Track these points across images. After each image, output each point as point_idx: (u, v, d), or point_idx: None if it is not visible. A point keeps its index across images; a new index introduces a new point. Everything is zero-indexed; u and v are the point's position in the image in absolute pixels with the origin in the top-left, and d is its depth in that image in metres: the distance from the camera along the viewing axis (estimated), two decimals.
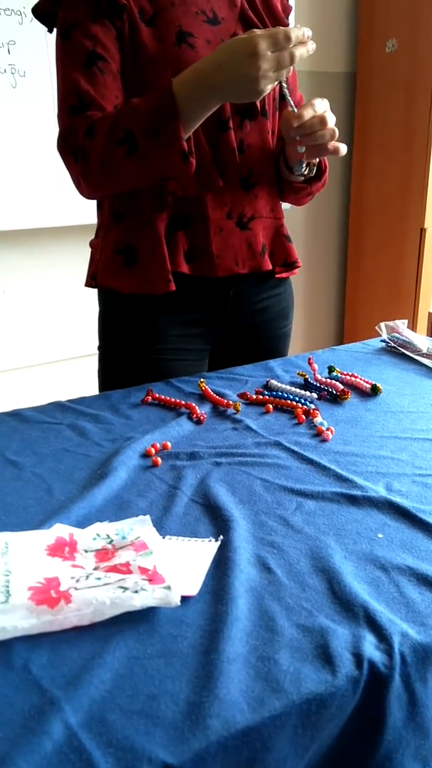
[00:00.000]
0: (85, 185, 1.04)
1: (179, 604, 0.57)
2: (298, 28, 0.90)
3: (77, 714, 0.47)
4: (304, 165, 1.12)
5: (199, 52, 1.04)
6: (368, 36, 2.71)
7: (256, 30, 0.91)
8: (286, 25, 1.13)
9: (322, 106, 1.00)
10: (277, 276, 1.26)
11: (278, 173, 1.21)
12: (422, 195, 2.63)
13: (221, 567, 0.63)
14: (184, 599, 0.58)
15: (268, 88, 0.93)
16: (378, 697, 0.52)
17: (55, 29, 1.05)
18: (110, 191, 1.10)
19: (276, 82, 0.94)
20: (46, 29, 1.09)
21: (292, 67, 0.93)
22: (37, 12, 1.07)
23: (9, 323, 2.29)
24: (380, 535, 0.68)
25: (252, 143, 1.13)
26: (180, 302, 1.17)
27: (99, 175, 1.01)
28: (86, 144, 0.99)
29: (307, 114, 0.99)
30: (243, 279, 1.21)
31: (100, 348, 1.24)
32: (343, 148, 1.06)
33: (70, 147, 1.01)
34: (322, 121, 1.00)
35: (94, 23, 1.00)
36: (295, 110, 0.99)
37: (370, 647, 0.53)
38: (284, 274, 1.27)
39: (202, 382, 1.08)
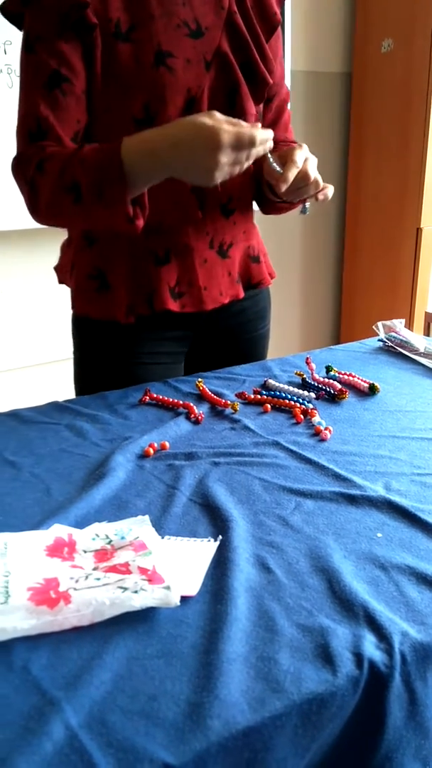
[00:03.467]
0: (34, 216, 1.01)
1: (179, 604, 0.57)
2: (265, 132, 0.88)
3: (78, 715, 0.47)
4: (307, 207, 1.12)
5: (179, 75, 1.00)
6: (364, 36, 2.71)
7: (218, 116, 0.86)
8: (277, 24, 1.10)
9: (302, 157, 0.98)
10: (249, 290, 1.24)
11: (259, 192, 1.19)
12: (418, 194, 2.63)
13: (220, 567, 0.63)
14: (184, 599, 0.58)
15: (219, 180, 0.89)
16: (378, 696, 0.52)
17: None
18: (62, 227, 1.08)
19: (228, 177, 0.89)
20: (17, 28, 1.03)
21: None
22: (5, 12, 1.00)
23: (5, 324, 2.29)
24: (379, 535, 0.68)
25: None
26: (158, 316, 1.15)
27: (47, 213, 0.99)
28: (36, 179, 0.95)
29: (292, 175, 0.97)
30: None
31: (75, 352, 1.22)
32: (330, 192, 1.07)
33: (23, 175, 0.97)
34: (305, 177, 0.99)
35: (60, 38, 0.94)
36: (280, 171, 0.97)
37: (371, 647, 0.53)
38: (257, 288, 1.25)
39: (200, 382, 1.08)
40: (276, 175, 0.97)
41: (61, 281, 1.24)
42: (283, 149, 1.02)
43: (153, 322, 1.15)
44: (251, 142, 0.86)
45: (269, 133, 0.89)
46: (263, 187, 1.16)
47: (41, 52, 0.95)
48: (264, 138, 0.88)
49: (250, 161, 0.90)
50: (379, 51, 2.65)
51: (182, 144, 0.88)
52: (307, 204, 1.10)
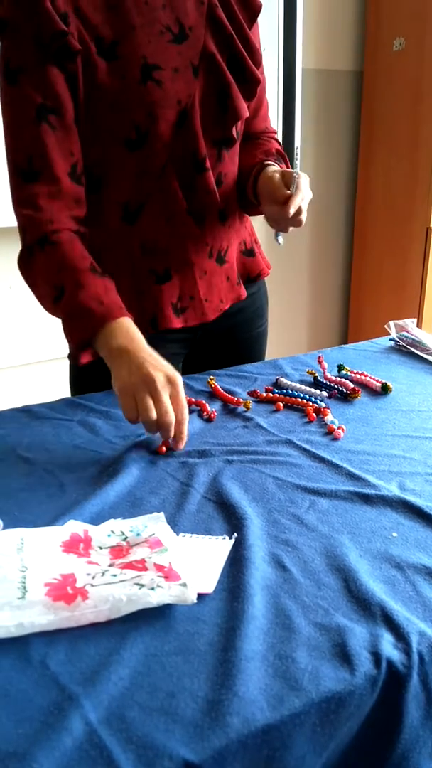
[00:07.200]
0: (20, 271, 1.01)
1: (195, 601, 0.57)
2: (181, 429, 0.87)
3: (97, 710, 0.47)
4: (280, 239, 1.10)
5: (167, 87, 0.96)
6: (375, 34, 2.70)
7: (159, 390, 0.84)
8: (259, 9, 1.06)
9: (305, 185, 1.00)
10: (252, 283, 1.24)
11: (242, 193, 1.17)
12: (428, 194, 2.62)
13: (236, 565, 0.63)
14: (200, 597, 0.58)
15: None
16: (396, 696, 0.52)
17: None
18: None
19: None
20: None
21: None
22: None
23: (16, 319, 2.29)
24: (395, 534, 0.68)
25: (228, 171, 1.10)
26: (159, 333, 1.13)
27: (31, 285, 1.00)
28: (36, 253, 0.95)
29: (292, 211, 0.98)
30: None
31: (69, 357, 1.20)
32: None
33: (24, 231, 0.97)
34: (297, 214, 1.00)
35: (43, 69, 0.90)
36: (288, 192, 0.99)
37: (388, 646, 0.53)
38: (257, 281, 1.25)
39: (211, 380, 1.08)
40: (279, 192, 1.00)
41: None
42: (283, 169, 1.04)
43: (154, 338, 1.13)
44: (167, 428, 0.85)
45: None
46: (247, 191, 1.13)
47: (25, 84, 0.91)
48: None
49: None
50: (391, 49, 2.64)
51: (126, 379, 0.86)
52: (280, 237, 1.09)
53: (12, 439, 0.91)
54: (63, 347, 0.98)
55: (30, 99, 0.92)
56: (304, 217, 1.02)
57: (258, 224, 1.25)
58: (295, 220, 1.01)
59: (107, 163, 1.00)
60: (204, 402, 1.01)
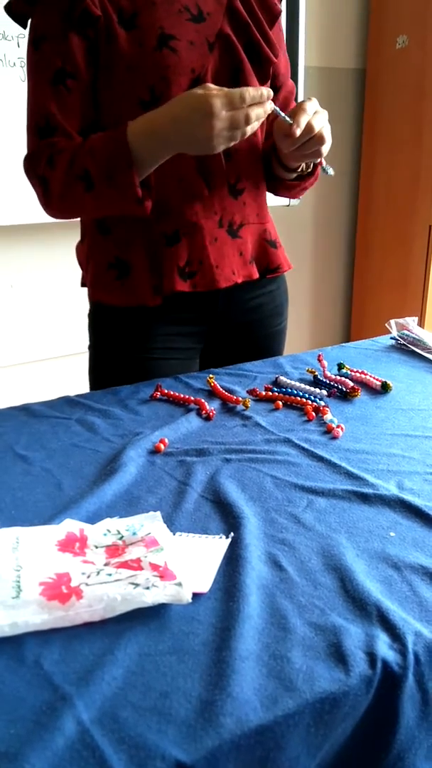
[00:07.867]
0: (47, 210, 1.05)
1: (190, 601, 0.57)
2: (255, 89, 0.90)
3: (89, 710, 0.46)
4: (326, 166, 1.11)
5: (182, 55, 1.01)
6: (378, 32, 2.69)
7: (210, 86, 0.91)
8: (278, 13, 1.10)
9: (312, 108, 0.99)
10: (268, 276, 1.23)
11: (268, 170, 1.19)
12: (431, 191, 2.61)
13: (232, 564, 0.63)
14: (196, 596, 0.58)
15: (222, 147, 0.93)
16: (391, 696, 0.51)
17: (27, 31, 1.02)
18: (73, 218, 1.11)
19: (231, 142, 0.93)
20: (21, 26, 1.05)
21: (253, 125, 0.92)
22: (10, 11, 1.03)
23: (17, 318, 2.29)
24: (392, 534, 0.68)
25: (240, 148, 1.10)
26: (172, 306, 1.15)
27: (60, 205, 1.03)
28: (47, 174, 0.99)
29: (303, 120, 0.97)
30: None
31: (90, 348, 1.22)
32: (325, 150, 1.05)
33: (34, 172, 1.02)
34: (309, 128, 0.98)
35: (66, 37, 0.98)
36: (290, 121, 0.97)
37: (384, 646, 0.52)
38: (275, 274, 1.24)
39: (211, 378, 1.08)
40: (286, 125, 0.97)
41: (83, 283, 1.23)
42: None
43: (171, 310, 1.15)
44: (242, 99, 0.89)
45: (264, 90, 0.91)
46: (272, 163, 1.16)
47: (47, 50, 0.99)
48: (257, 95, 0.90)
49: (253, 124, 0.91)
50: (394, 47, 2.64)
51: (179, 118, 0.93)
52: (329, 169, 1.09)
53: (10, 437, 0.91)
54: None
55: (51, 63, 0.99)
56: (327, 132, 1.02)
57: (276, 229, 1.25)
58: (315, 138, 1.00)
59: (123, 123, 1.02)
60: (203, 400, 1.01)
